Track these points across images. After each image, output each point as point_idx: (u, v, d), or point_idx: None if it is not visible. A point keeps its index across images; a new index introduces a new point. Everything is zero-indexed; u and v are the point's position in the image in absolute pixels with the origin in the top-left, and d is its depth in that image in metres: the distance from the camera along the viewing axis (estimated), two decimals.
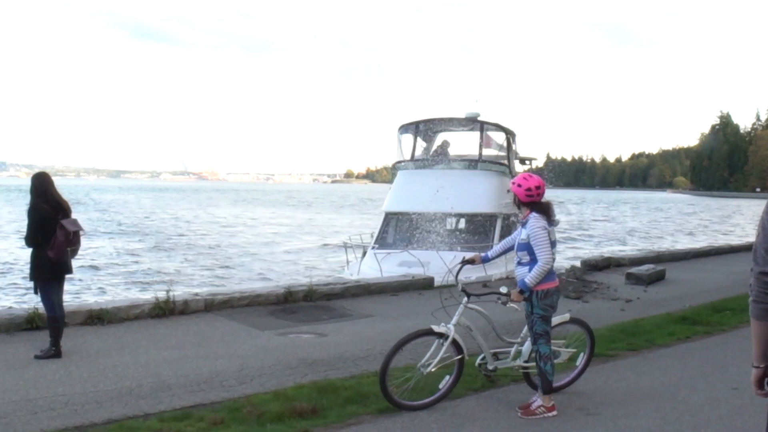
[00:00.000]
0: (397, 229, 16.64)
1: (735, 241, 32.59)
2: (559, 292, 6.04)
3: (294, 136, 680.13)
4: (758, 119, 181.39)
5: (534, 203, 5.95)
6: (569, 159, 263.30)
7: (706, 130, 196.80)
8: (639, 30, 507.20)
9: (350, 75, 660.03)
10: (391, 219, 16.89)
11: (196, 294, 10.10)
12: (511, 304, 5.96)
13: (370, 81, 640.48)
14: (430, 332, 6.00)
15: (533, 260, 5.84)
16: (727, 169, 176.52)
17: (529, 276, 5.79)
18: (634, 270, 13.26)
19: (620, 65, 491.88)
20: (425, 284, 12.25)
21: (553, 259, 5.88)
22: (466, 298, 6.07)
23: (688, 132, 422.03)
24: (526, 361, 6.26)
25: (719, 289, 12.94)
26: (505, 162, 17.43)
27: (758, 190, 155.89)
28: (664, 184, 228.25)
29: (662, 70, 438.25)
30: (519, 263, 6.01)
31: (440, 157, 17.27)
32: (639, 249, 33.02)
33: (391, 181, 18.33)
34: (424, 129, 17.84)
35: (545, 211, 5.96)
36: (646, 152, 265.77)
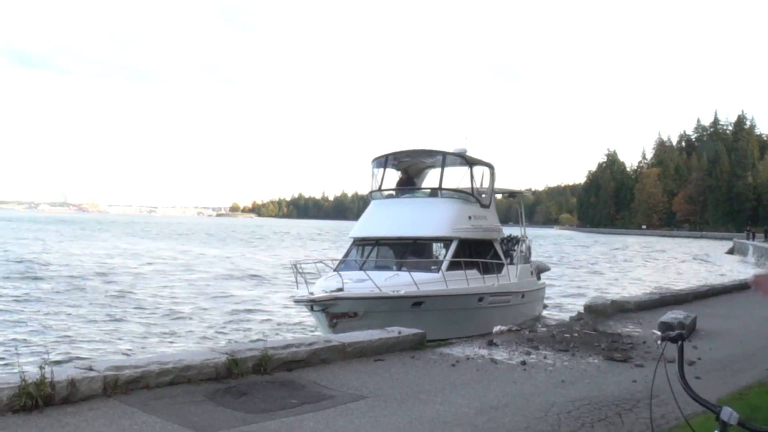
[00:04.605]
0: (361, 254, 17.04)
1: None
2: None
3: (178, 169, 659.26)
4: (644, 157, 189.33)
5: None
6: None
7: (593, 167, 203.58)
8: (525, 69, 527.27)
9: (235, 107, 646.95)
10: (357, 245, 17.43)
11: (90, 368, 6.36)
12: None
13: (256, 114, 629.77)
14: None
15: None
16: (614, 206, 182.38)
17: None
18: (668, 319, 10.37)
19: (507, 102, 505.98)
20: (415, 342, 8.96)
21: None
22: None
23: (574, 169, 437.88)
24: None
25: None
26: (469, 191, 17.87)
27: (644, 227, 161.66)
28: (550, 221, 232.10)
29: (548, 109, 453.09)
30: None
31: (407, 187, 18.50)
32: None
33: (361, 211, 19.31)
34: (393, 161, 18.61)
35: None
36: (533, 189, 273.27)
